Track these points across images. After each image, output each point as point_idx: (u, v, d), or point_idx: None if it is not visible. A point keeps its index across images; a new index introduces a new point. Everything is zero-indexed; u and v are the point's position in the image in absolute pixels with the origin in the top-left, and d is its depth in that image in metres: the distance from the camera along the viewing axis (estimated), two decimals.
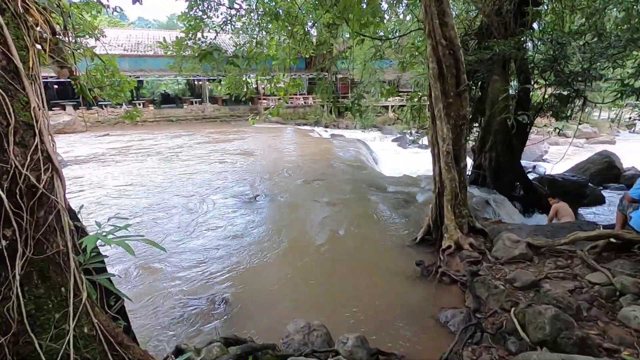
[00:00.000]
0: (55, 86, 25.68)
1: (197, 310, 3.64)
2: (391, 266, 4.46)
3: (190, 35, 7.72)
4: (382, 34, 9.24)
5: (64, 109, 23.58)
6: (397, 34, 9.55)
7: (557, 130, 7.12)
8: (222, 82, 10.36)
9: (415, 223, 5.82)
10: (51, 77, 19.76)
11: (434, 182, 4.84)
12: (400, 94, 29.51)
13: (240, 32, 9.79)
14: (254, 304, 3.73)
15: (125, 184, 8.89)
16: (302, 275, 4.32)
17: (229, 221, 6.19)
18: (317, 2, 8.73)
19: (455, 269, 4.02)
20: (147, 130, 22.34)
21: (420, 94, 10.48)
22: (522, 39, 6.55)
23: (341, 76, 26.25)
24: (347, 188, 8.20)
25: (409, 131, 20.10)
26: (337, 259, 4.75)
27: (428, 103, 5.03)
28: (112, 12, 7.72)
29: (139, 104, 26.33)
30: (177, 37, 7.48)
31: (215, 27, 8.71)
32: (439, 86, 4.59)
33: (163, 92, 35.38)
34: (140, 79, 26.99)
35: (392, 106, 29.59)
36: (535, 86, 7.46)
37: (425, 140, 19.54)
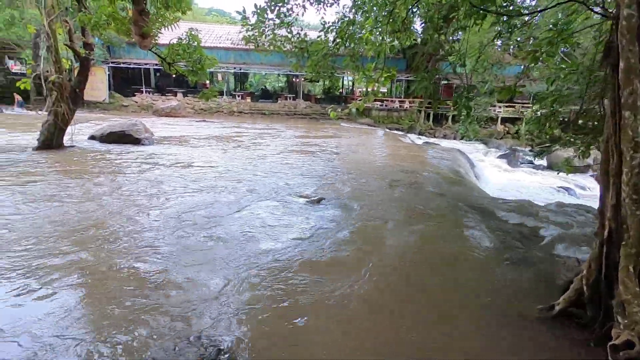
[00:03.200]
0: (174, 75, 28.56)
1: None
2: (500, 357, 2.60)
3: (272, 6, 6.76)
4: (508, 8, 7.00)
5: (175, 95, 25.91)
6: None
7: None
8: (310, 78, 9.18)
9: (544, 277, 3.72)
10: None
11: (601, 220, 2.78)
12: (514, 105, 25.31)
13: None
14: None
15: (188, 165, 8.45)
16: (354, 347, 2.76)
17: (282, 228, 4.95)
18: None
19: None
20: (241, 120, 23.05)
21: (555, 95, 7.87)
22: None
23: (446, 82, 23.51)
24: (438, 205, 6.29)
25: (525, 146, 16.56)
26: (409, 321, 3.01)
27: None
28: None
29: (239, 96, 27.64)
30: (255, 4, 6.56)
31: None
32: (638, 50, 2.56)
33: (264, 87, 37.06)
34: (242, 70, 28.35)
35: (502, 118, 25.48)
36: None
37: (543, 161, 15.87)
